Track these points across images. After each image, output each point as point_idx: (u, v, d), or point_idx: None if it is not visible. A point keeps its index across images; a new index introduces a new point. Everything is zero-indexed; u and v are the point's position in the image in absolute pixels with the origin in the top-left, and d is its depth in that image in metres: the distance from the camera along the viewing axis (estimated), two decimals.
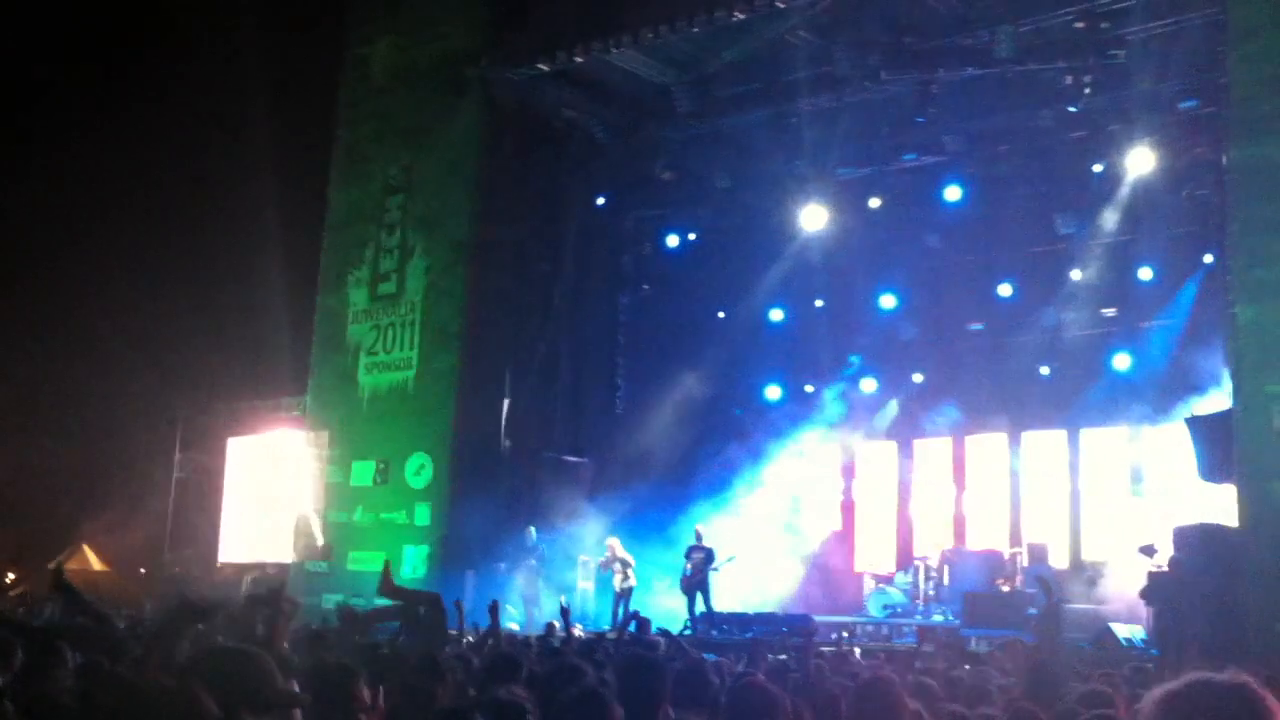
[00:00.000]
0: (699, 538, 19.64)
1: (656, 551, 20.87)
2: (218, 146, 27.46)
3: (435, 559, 19.75)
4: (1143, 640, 15.79)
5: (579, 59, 20.20)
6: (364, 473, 21.23)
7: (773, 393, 24.64)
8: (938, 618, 19.87)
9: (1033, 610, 17.34)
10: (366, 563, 20.43)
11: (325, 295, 22.68)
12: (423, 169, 21.69)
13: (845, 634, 17.12)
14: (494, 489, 20.80)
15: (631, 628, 13.40)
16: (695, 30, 18.91)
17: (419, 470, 20.56)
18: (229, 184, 27.27)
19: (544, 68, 20.65)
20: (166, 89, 27.90)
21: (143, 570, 28.13)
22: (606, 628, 17.73)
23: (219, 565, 26.05)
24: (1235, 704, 2.49)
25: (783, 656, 10.91)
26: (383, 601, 13.84)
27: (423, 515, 20.29)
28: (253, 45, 26.07)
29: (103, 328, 29.13)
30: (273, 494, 25.54)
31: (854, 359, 23.45)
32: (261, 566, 24.39)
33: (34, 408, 30.34)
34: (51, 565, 29.37)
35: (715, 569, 19.30)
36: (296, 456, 23.49)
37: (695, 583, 19.14)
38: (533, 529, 20.39)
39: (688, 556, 19.35)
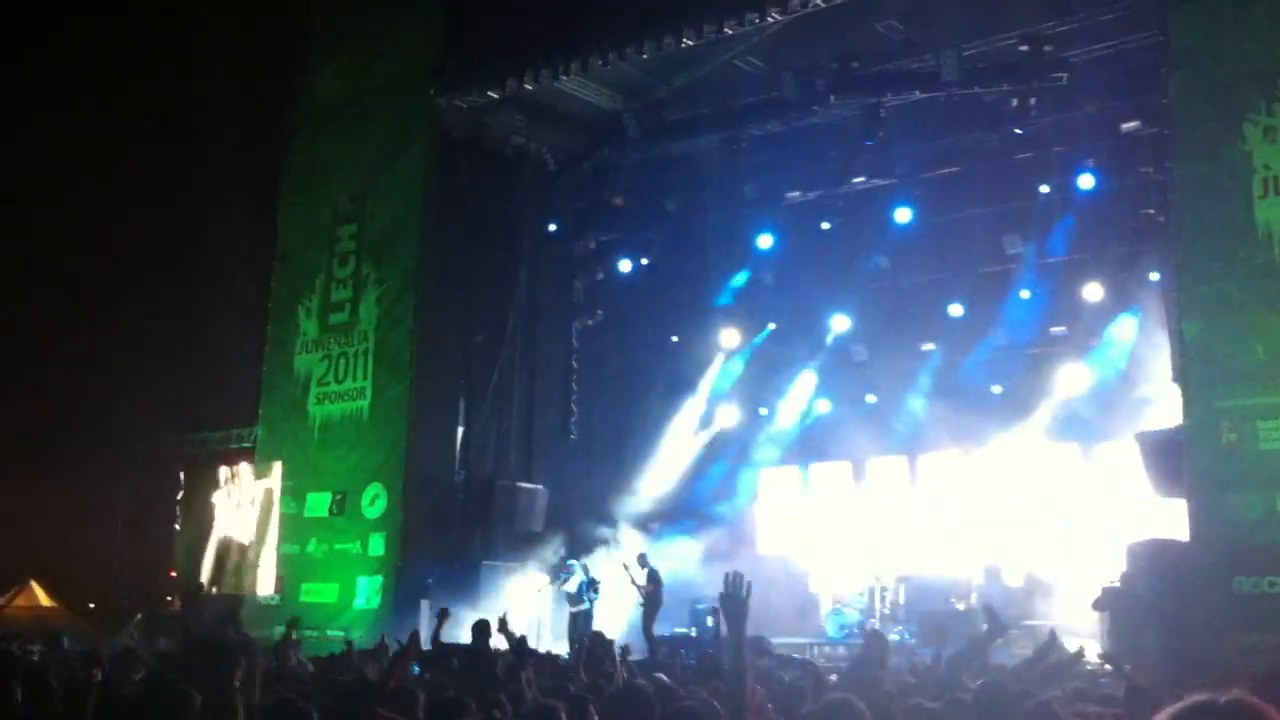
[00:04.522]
0: (644, 562, 19.88)
1: (613, 573, 20.87)
2: (169, 174, 27.22)
3: (389, 589, 19.59)
4: (1097, 656, 15.87)
5: (529, 86, 20.23)
6: (319, 504, 21.02)
7: (727, 415, 24.69)
8: (894, 637, 19.88)
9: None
10: (319, 594, 20.28)
11: (275, 325, 22.50)
12: (373, 197, 21.58)
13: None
14: (448, 518, 20.71)
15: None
16: (645, 57, 19.01)
17: (374, 500, 20.39)
18: (179, 212, 27.09)
19: (494, 95, 20.68)
20: (113, 115, 27.66)
21: (92, 605, 27.71)
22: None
23: (168, 598, 25.69)
24: None
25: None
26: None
27: (377, 546, 20.11)
28: (203, 72, 25.95)
29: (52, 361, 28.81)
30: (224, 527, 25.29)
31: None
32: (210, 599, 24.12)
33: None
34: (3, 601, 29.00)
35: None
36: (248, 489, 23.27)
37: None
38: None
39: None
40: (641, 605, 19.60)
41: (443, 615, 10.79)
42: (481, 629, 10.23)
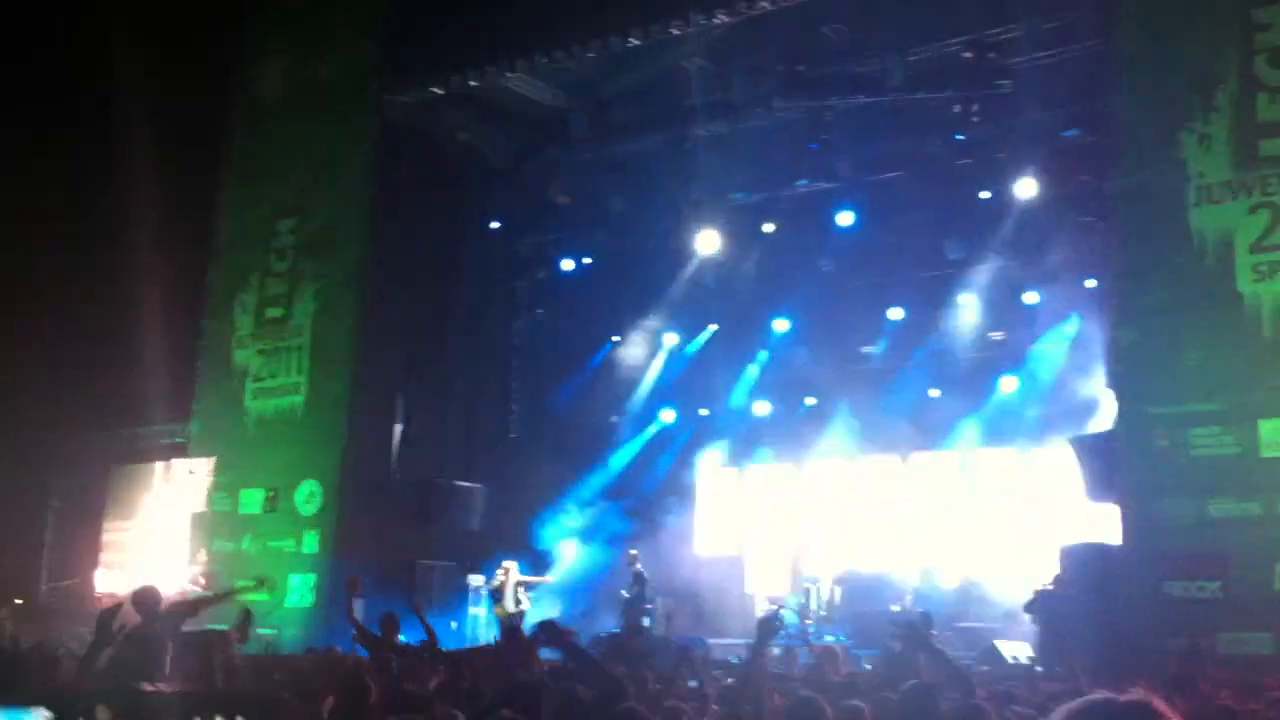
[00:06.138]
0: (632, 562, 20.01)
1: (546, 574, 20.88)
2: (101, 164, 26.66)
3: (323, 588, 19.33)
4: (1028, 658, 16.01)
5: (474, 83, 20.08)
6: (252, 500, 20.72)
7: (667, 416, 24.70)
8: (829, 639, 19.92)
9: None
10: (252, 592, 19.98)
11: (212, 319, 22.18)
12: (315, 192, 21.30)
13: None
14: (385, 516, 20.48)
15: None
16: (591, 55, 18.93)
17: (309, 498, 20.14)
18: (110, 202, 26.55)
19: (439, 91, 20.50)
20: (45, 97, 27.03)
21: (19, 601, 27.14)
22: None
23: (97, 596, 25.25)
24: None
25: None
26: None
27: (311, 543, 19.85)
28: (142, 61, 25.46)
29: None
30: (154, 523, 24.90)
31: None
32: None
33: None
34: None
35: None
36: (179, 485, 22.90)
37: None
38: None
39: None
40: (625, 604, 19.68)
41: (351, 585, 10.68)
42: (391, 623, 9.87)
